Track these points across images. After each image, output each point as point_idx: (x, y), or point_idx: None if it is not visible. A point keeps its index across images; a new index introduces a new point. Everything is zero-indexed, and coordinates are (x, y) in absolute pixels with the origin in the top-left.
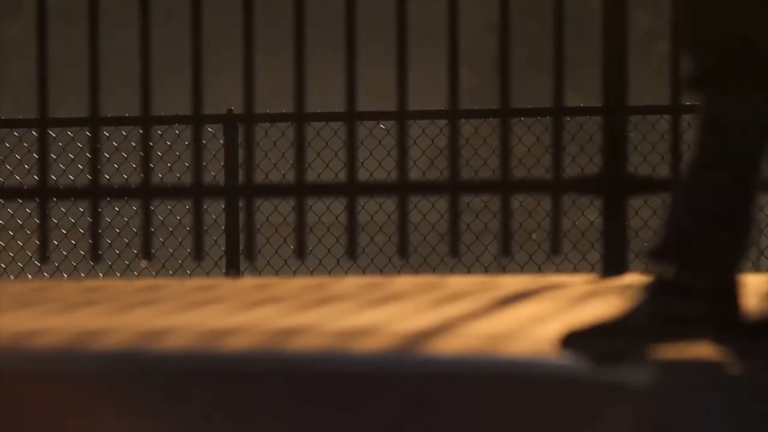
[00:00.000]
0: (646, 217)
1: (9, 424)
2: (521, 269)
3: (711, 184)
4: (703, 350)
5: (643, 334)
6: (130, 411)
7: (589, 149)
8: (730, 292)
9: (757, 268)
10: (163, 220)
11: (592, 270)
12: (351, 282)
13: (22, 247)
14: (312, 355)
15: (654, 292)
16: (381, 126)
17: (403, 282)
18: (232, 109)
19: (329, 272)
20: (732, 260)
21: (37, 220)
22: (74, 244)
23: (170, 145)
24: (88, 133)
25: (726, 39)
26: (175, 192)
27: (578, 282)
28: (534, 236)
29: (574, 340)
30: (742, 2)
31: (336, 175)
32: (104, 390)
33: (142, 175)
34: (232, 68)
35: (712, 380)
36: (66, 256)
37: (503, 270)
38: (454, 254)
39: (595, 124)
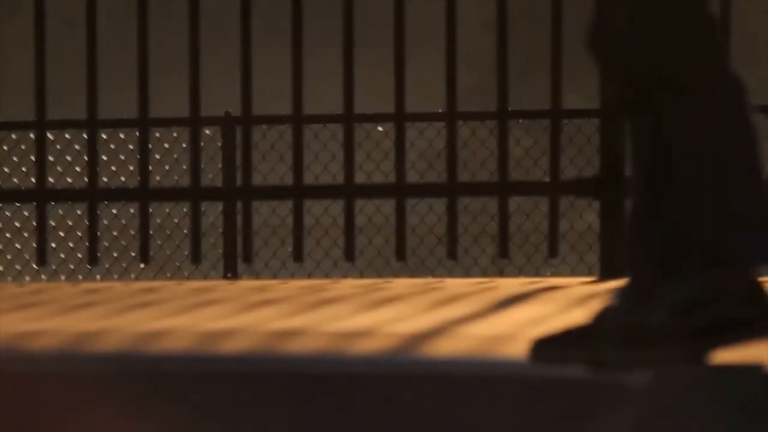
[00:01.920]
0: None
1: (8, 425)
2: (519, 272)
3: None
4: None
5: (615, 341)
6: (128, 412)
7: (588, 151)
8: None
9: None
10: (160, 223)
11: (590, 272)
12: (349, 284)
13: (20, 250)
14: (310, 357)
15: (626, 299)
16: (379, 129)
17: (401, 284)
18: (229, 112)
19: (327, 275)
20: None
21: (35, 223)
22: (71, 247)
23: (167, 148)
24: (85, 136)
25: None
26: (172, 194)
27: (576, 284)
28: (532, 238)
29: (543, 347)
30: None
31: (333, 177)
32: (102, 391)
33: (140, 178)
34: (231, 69)
35: (697, 384)
36: (64, 259)
37: (501, 272)
38: (451, 257)
39: (593, 126)
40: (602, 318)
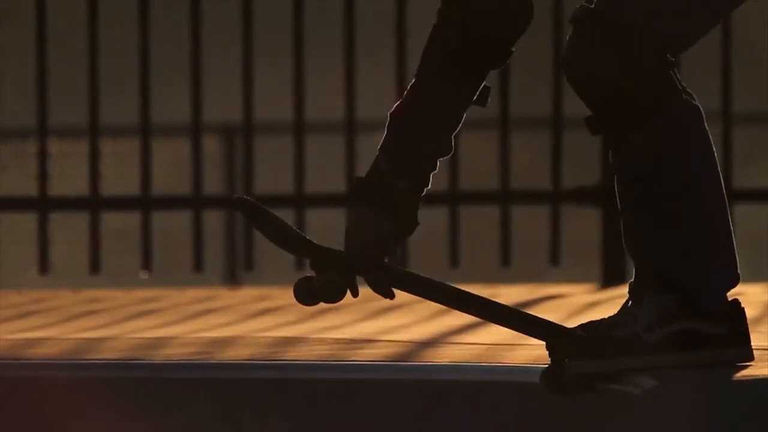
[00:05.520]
0: None
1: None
2: (521, 279)
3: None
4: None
5: (586, 349)
6: (130, 419)
7: (589, 158)
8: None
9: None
10: (162, 231)
11: (591, 280)
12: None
13: (21, 258)
14: (312, 364)
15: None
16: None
17: (404, 292)
18: (231, 120)
19: None
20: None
21: (37, 232)
22: (73, 255)
23: (169, 155)
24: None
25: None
26: (175, 203)
27: (578, 292)
28: (535, 247)
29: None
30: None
31: (333, 181)
32: (104, 399)
33: (141, 186)
34: (230, 71)
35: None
36: (66, 267)
37: (503, 280)
38: (453, 265)
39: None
40: (581, 326)
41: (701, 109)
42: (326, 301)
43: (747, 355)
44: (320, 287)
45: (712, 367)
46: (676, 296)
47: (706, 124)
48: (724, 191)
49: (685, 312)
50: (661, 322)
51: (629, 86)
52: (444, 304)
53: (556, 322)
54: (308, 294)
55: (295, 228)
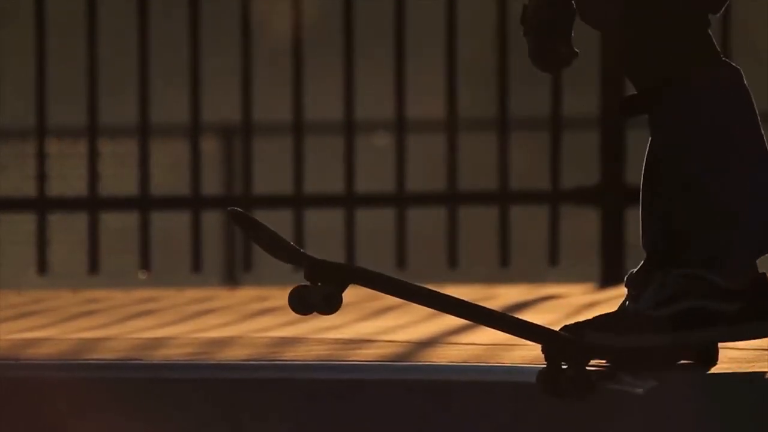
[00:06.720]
0: None
1: None
2: (520, 280)
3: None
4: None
5: (593, 328)
6: (129, 420)
7: (588, 159)
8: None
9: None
10: (161, 231)
11: (590, 280)
12: (349, 292)
13: (20, 258)
14: (312, 364)
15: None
16: (379, 138)
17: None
18: (230, 120)
19: None
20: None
21: (36, 232)
22: (72, 256)
23: (168, 155)
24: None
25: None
26: (173, 203)
27: (577, 292)
28: (533, 247)
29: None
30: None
31: (333, 181)
32: (103, 399)
33: (140, 186)
34: (230, 68)
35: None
36: (64, 267)
37: (501, 281)
38: (452, 265)
39: (593, 133)
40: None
41: (739, 71)
42: (322, 313)
43: (762, 330)
44: (316, 299)
45: (722, 346)
46: (686, 270)
47: (738, 90)
48: (749, 170)
49: (695, 289)
50: (670, 300)
51: (637, 79)
52: (426, 306)
53: (545, 325)
54: (304, 305)
55: (289, 240)
